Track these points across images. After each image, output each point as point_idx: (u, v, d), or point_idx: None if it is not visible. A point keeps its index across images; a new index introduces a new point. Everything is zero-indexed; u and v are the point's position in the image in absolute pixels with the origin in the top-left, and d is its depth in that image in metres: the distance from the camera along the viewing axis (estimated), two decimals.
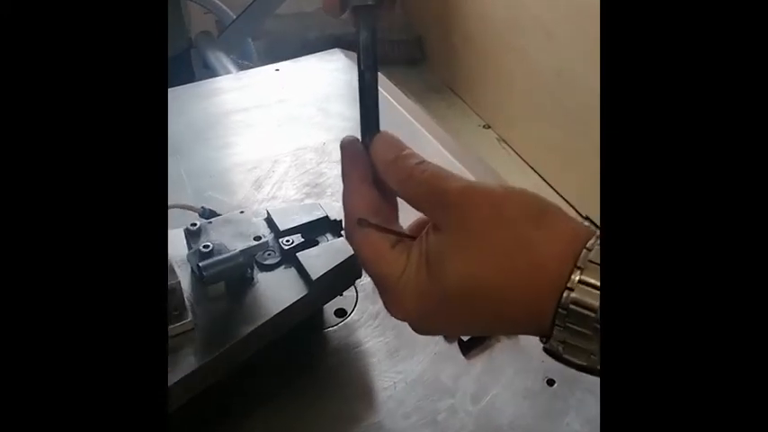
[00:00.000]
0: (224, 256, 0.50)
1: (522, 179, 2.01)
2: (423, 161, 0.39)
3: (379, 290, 0.41)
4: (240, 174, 0.76)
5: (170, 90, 0.91)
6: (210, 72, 1.19)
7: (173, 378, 0.46)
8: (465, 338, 0.57)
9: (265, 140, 0.82)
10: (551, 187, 1.98)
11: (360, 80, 0.44)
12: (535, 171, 2.06)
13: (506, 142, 2.21)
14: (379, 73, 0.97)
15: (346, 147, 0.42)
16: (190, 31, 1.30)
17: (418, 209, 0.39)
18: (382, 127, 0.43)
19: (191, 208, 0.55)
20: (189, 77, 1.09)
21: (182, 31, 1.13)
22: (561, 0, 1.77)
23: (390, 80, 0.93)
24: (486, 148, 2.16)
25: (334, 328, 0.59)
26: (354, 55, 0.93)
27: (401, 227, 0.44)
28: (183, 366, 0.47)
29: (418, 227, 0.43)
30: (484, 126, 2.31)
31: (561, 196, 1.93)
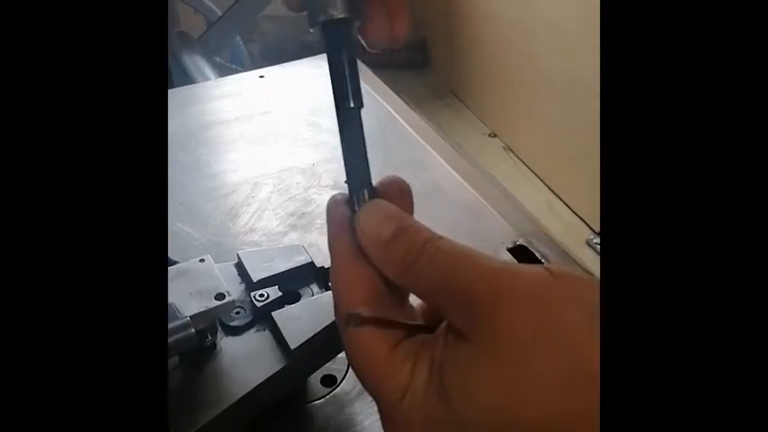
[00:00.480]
0: (173, 324, 0.38)
1: (530, 192, 1.89)
2: (432, 237, 0.28)
3: (378, 408, 0.29)
4: (213, 200, 0.65)
5: None
6: (188, 80, 1.07)
7: None
8: None
9: (245, 160, 0.70)
10: (562, 201, 1.86)
11: (339, 119, 0.33)
12: (545, 183, 1.94)
13: (514, 152, 2.09)
14: (374, 76, 0.82)
15: (333, 210, 0.31)
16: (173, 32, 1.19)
17: (430, 305, 0.28)
18: (378, 141, 0.32)
19: None
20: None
21: None
22: (575, 1, 1.65)
23: (391, 86, 0.81)
24: (492, 157, 2.04)
25: (321, 401, 0.48)
26: None
27: (412, 307, 0.32)
28: None
29: (430, 312, 0.32)
30: (490, 134, 2.20)
31: (573, 211, 1.82)
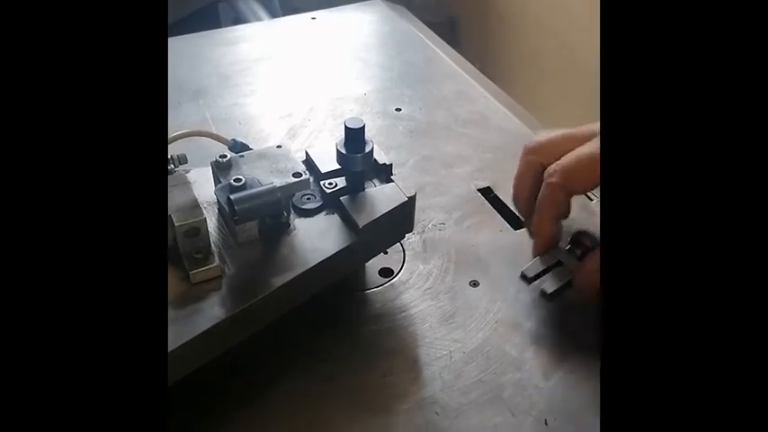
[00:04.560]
0: (258, 189, 0.42)
1: None
2: None
3: None
4: (272, 121, 0.68)
5: (192, 36, 0.83)
6: (241, 21, 1.10)
7: (194, 331, 0.39)
8: (549, 289, 0.49)
9: (300, 89, 0.74)
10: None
11: None
12: None
13: None
14: (420, 22, 0.90)
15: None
16: None
17: None
18: (427, 77, 0.38)
19: (219, 138, 0.47)
20: None
21: None
22: None
23: None
24: None
25: (379, 288, 0.51)
26: (396, 6, 0.86)
27: None
28: (206, 317, 0.40)
29: None
30: None
31: None
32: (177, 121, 0.66)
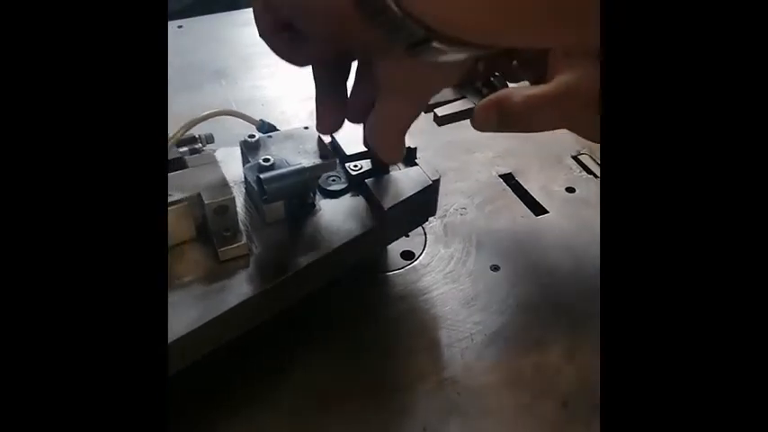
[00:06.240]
0: (287, 169, 0.43)
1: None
2: None
3: None
4: (295, 103, 0.69)
5: (210, 18, 0.83)
6: None
7: (222, 307, 0.39)
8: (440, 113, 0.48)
9: None
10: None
11: None
12: None
13: None
14: None
15: None
16: None
17: None
18: None
19: (247, 118, 0.47)
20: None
21: None
22: None
23: None
24: None
25: (400, 271, 0.52)
26: None
27: None
28: (234, 294, 0.40)
29: None
30: None
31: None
32: (202, 102, 0.66)
